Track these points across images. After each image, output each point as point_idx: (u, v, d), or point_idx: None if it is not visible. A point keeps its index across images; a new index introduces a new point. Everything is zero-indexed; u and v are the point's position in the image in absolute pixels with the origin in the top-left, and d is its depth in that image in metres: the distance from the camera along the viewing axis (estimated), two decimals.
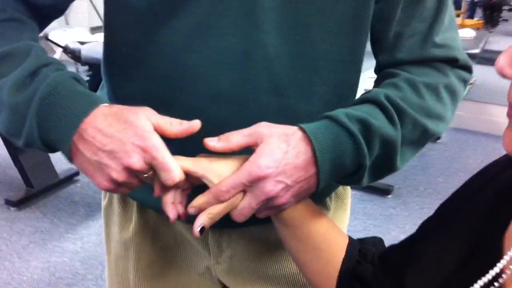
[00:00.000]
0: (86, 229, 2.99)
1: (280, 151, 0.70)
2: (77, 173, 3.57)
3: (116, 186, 0.71)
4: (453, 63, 0.87)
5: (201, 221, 0.71)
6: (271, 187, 0.69)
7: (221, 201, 0.71)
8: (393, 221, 3.16)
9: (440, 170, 3.82)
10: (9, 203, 3.20)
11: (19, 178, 3.34)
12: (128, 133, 0.68)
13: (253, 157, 0.70)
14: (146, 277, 1.04)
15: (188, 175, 0.71)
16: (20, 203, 3.20)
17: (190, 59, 0.78)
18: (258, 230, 0.96)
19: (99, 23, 6.40)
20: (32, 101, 0.70)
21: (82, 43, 4.81)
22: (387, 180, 3.57)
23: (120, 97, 0.88)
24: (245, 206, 0.71)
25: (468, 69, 0.89)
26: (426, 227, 0.72)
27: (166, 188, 0.73)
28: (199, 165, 0.72)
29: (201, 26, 0.77)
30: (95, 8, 6.19)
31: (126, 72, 0.86)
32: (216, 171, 0.71)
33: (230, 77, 0.79)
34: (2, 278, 2.56)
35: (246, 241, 0.98)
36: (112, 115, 0.70)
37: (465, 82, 0.88)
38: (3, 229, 2.97)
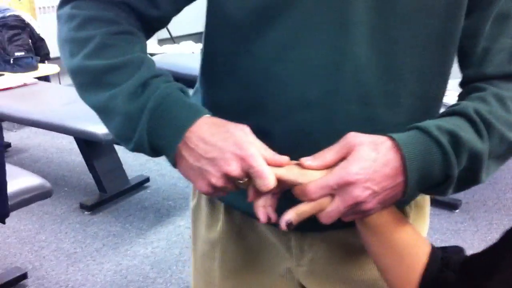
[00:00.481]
0: (156, 234, 3.09)
1: (370, 158, 0.73)
2: (147, 180, 3.69)
3: (214, 190, 0.78)
4: None
5: (289, 216, 0.75)
6: (359, 193, 0.73)
7: (309, 200, 0.75)
8: (461, 236, 3.10)
9: (509, 185, 3.73)
10: (83, 207, 3.34)
11: (93, 183, 3.49)
12: (228, 143, 0.74)
13: (343, 163, 0.74)
14: (230, 276, 1.09)
15: (279, 181, 0.75)
16: (93, 208, 3.35)
17: (282, 69, 0.83)
18: (340, 234, 0.99)
19: (167, 35, 6.60)
20: (144, 110, 0.77)
21: (150, 55, 4.98)
22: (454, 195, 3.50)
23: (215, 103, 0.93)
24: (333, 209, 0.75)
25: None
26: (510, 236, 0.72)
27: (259, 194, 0.78)
28: (291, 172, 0.76)
29: (293, 37, 0.81)
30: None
31: (221, 80, 0.92)
32: (308, 177, 0.75)
33: (319, 87, 0.83)
34: (77, 280, 2.67)
35: (327, 245, 1.01)
36: (214, 125, 0.77)
37: None
38: (78, 232, 3.11)
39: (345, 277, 1.03)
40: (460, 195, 3.50)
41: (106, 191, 3.43)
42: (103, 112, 0.83)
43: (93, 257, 2.86)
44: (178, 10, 0.91)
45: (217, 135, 0.75)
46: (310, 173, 0.76)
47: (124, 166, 3.59)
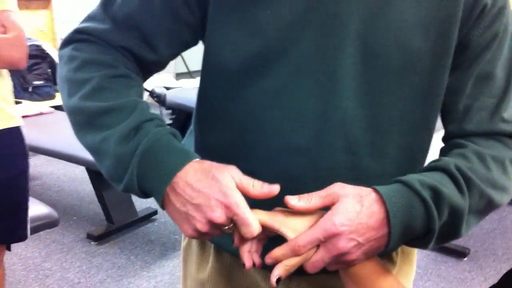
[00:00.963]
0: (160, 268, 3.08)
1: (354, 210, 0.75)
2: (155, 213, 3.70)
3: (199, 235, 0.79)
4: None
5: (278, 272, 0.77)
6: (343, 244, 0.74)
7: (298, 255, 0.77)
8: (468, 285, 3.06)
9: None
10: (90, 237, 3.36)
11: (101, 214, 3.51)
12: (213, 190, 0.76)
13: (328, 215, 0.76)
14: None
15: (263, 227, 0.77)
16: (100, 238, 3.36)
17: (271, 115, 0.86)
18: (325, 279, 1.00)
19: (184, 69, 6.69)
20: (134, 154, 0.80)
21: (167, 88, 5.06)
22: (463, 243, 3.47)
23: (207, 146, 0.97)
24: (318, 259, 0.77)
25: None
26: (508, 281, 0.72)
27: (244, 239, 0.79)
28: (276, 219, 0.78)
29: (285, 86, 0.85)
30: (181, 55, 6.48)
31: (214, 124, 0.95)
32: (292, 226, 0.77)
33: (306, 134, 0.86)
34: None
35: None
36: (201, 171, 0.78)
37: None
38: (83, 262, 3.12)
39: None
40: (469, 243, 3.46)
41: (114, 222, 3.44)
42: (96, 153, 0.85)
43: None
44: (174, 55, 0.95)
45: (203, 181, 0.77)
46: (292, 221, 0.78)
47: (133, 198, 3.61)
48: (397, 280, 0.83)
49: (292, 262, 0.77)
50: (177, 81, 6.24)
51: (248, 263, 0.80)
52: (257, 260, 0.80)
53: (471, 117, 0.89)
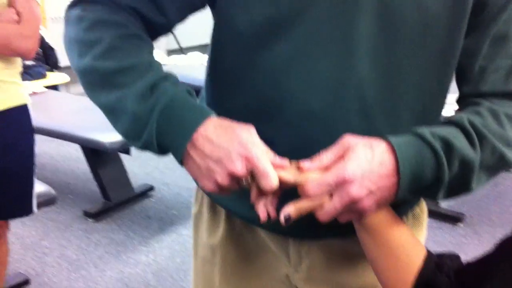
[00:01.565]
0: (158, 243, 3.10)
1: (366, 158, 0.76)
2: (151, 189, 3.71)
3: (219, 189, 0.80)
4: None
5: (288, 210, 0.78)
6: (356, 191, 0.75)
7: (308, 197, 0.77)
8: (463, 250, 3.09)
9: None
10: (87, 214, 3.37)
11: (98, 191, 3.52)
12: (233, 143, 0.77)
13: (340, 163, 0.77)
14: (230, 281, 1.11)
15: (280, 182, 0.78)
16: (97, 215, 3.37)
17: (287, 81, 0.86)
18: (337, 243, 1.01)
19: (175, 46, 6.65)
20: (153, 111, 0.80)
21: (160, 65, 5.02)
22: (458, 208, 3.51)
23: (222, 111, 0.96)
24: (330, 207, 0.77)
25: None
26: (504, 246, 0.73)
27: (261, 194, 0.80)
28: (291, 173, 0.79)
29: (299, 51, 0.85)
30: (172, 32, 6.43)
31: (228, 90, 0.95)
32: (307, 178, 0.78)
33: (322, 99, 0.86)
34: (79, 287, 2.69)
35: (324, 252, 1.03)
36: (220, 126, 0.79)
37: None
38: (81, 239, 3.13)
39: (341, 284, 1.05)
40: (464, 209, 3.50)
41: (111, 199, 3.46)
42: (111, 112, 0.86)
43: (95, 265, 2.88)
44: (182, 18, 0.94)
45: (223, 136, 0.78)
46: (308, 173, 0.78)
47: (129, 175, 3.62)
48: (411, 232, 0.84)
49: (304, 205, 0.78)
50: (169, 57, 6.21)
51: (263, 215, 0.81)
52: (272, 212, 0.81)
53: (486, 78, 0.89)
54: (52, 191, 2.37)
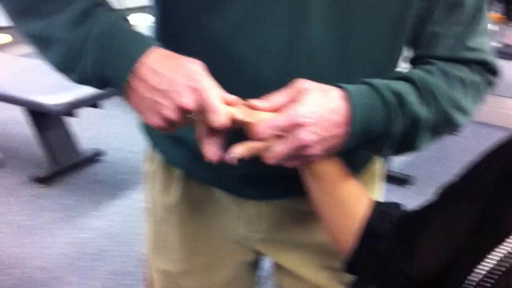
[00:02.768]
0: (110, 208, 3.06)
1: (319, 103, 0.74)
2: (100, 153, 3.64)
3: (167, 124, 0.75)
4: (483, 65, 0.90)
5: (236, 149, 0.75)
6: (305, 135, 0.73)
7: (258, 139, 0.75)
8: None
9: (457, 162, 3.85)
10: (36, 179, 3.28)
11: (44, 156, 3.41)
12: (180, 74, 0.72)
13: (292, 105, 0.74)
14: (187, 240, 1.11)
15: (229, 119, 0.75)
16: (46, 180, 3.29)
17: (235, 47, 0.82)
18: (294, 202, 1.03)
19: (135, 4, 6.41)
20: (87, 39, 0.74)
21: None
22: (406, 170, 3.61)
23: None
24: (278, 149, 0.75)
25: (496, 73, 0.93)
26: (445, 193, 0.75)
27: (209, 131, 0.76)
28: (241, 111, 0.76)
29: (247, 14, 0.80)
30: None
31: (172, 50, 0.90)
32: (256, 117, 0.75)
33: (273, 66, 0.82)
34: (31, 252, 2.63)
35: (281, 212, 1.04)
36: (166, 56, 0.74)
37: (490, 84, 0.92)
38: (31, 205, 3.05)
39: (300, 242, 1.08)
40: (410, 171, 3.60)
41: (58, 164, 3.36)
42: (39, 41, 0.79)
43: (47, 230, 2.82)
44: None
45: (168, 66, 0.73)
46: (259, 114, 0.76)
47: (78, 139, 3.52)
48: (358, 183, 0.84)
49: (252, 144, 0.75)
50: (128, 17, 6.01)
51: (210, 153, 0.77)
52: (218, 151, 0.77)
53: (438, 43, 0.89)
54: (0, 154, 2.28)
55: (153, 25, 0.94)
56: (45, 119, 3.31)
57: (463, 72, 0.88)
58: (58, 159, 3.37)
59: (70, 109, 2.94)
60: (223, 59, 0.83)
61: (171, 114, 0.73)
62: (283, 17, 0.80)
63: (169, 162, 1.05)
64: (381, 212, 0.80)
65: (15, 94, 3.00)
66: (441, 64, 0.87)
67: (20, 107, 3.21)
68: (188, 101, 0.72)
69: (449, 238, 0.69)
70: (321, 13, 0.80)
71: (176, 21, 0.87)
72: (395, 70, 0.92)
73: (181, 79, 0.72)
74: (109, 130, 4.11)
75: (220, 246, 1.12)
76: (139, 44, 0.75)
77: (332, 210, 0.83)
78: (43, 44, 0.79)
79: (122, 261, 2.61)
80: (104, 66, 0.75)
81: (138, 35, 0.76)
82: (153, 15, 0.92)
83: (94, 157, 3.62)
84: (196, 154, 0.80)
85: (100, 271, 2.54)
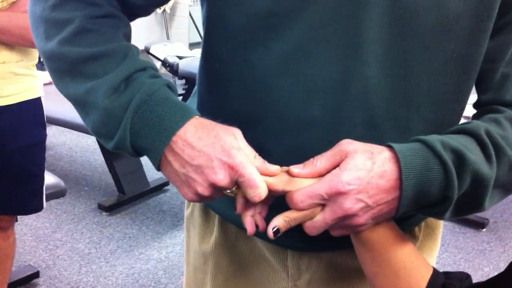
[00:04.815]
0: (172, 239, 3.04)
1: (365, 168, 0.67)
2: (167, 183, 3.66)
3: (200, 199, 0.73)
4: None
5: (276, 222, 0.70)
6: (350, 205, 0.67)
7: (297, 209, 0.69)
8: (487, 256, 2.98)
9: None
10: (101, 207, 3.32)
11: (113, 184, 3.47)
12: (216, 149, 0.69)
13: (336, 171, 0.68)
14: None
15: (269, 190, 0.70)
16: (111, 209, 3.33)
17: (284, 83, 0.77)
18: (338, 256, 0.93)
19: (198, 39, 6.60)
20: (127, 108, 0.72)
21: (180, 57, 4.97)
22: (482, 213, 3.39)
23: (210, 112, 0.88)
24: (319, 219, 0.69)
25: None
26: None
27: (248, 204, 0.73)
28: (281, 180, 0.71)
29: (298, 50, 0.75)
30: (195, 24, 6.37)
31: (217, 89, 0.86)
32: (297, 185, 0.70)
33: (324, 106, 0.76)
34: (89, 281, 2.65)
35: (325, 266, 0.94)
36: (202, 128, 0.71)
37: None
38: (93, 233, 3.09)
39: None
40: (488, 214, 3.38)
41: (125, 193, 3.41)
42: (80, 105, 0.77)
43: (106, 259, 2.83)
44: (163, 1, 0.85)
45: (205, 140, 0.70)
46: (300, 181, 0.70)
47: (145, 168, 3.56)
48: (415, 250, 0.75)
49: (293, 215, 0.70)
50: (191, 50, 6.16)
51: (250, 228, 0.73)
52: (261, 223, 0.73)
53: (509, 87, 0.79)
54: (62, 184, 2.32)
55: (200, 59, 0.91)
56: None
57: None
58: (126, 188, 3.42)
59: None
60: (269, 96, 0.78)
61: (204, 190, 0.71)
62: (335, 53, 0.74)
63: (207, 205, 1.00)
64: (442, 286, 0.71)
65: None
66: (511, 113, 0.78)
67: (93, 136, 3.30)
68: (221, 178, 0.69)
69: None
70: (377, 51, 0.73)
71: (221, 56, 0.83)
72: (461, 116, 0.83)
73: (216, 154, 0.69)
74: None
75: None
76: (177, 115, 0.72)
77: (385, 283, 0.75)
78: (84, 108, 0.77)
79: None
80: (141, 138, 0.73)
81: (178, 105, 0.73)
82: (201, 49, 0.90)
83: (160, 187, 3.64)
84: (234, 199, 0.76)
85: None
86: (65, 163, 4.04)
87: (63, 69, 0.77)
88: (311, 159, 0.71)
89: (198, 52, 5.78)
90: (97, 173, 3.88)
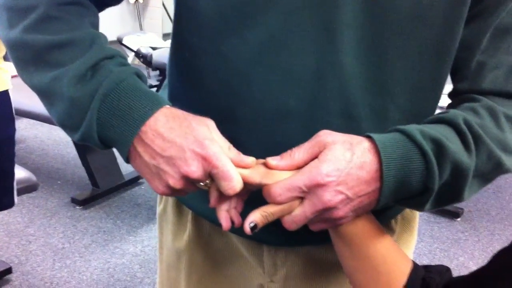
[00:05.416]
0: (147, 232, 3.01)
1: (344, 159, 0.65)
2: (141, 176, 3.60)
3: (172, 192, 0.70)
4: None
5: (253, 217, 0.68)
6: (330, 197, 0.65)
7: (275, 203, 0.67)
8: (461, 246, 3.01)
9: None
10: (75, 201, 3.27)
11: (86, 177, 3.41)
12: (188, 140, 0.66)
13: (314, 162, 0.66)
14: None
15: (244, 182, 0.68)
16: (85, 202, 3.27)
17: (259, 74, 0.74)
18: (315, 251, 0.91)
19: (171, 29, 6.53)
20: (94, 97, 0.68)
21: (154, 48, 4.91)
22: (457, 203, 3.42)
23: (182, 105, 0.85)
24: (299, 213, 0.67)
25: None
26: (500, 261, 0.64)
27: (222, 197, 0.70)
28: (257, 172, 0.69)
29: (273, 40, 0.73)
30: (168, 15, 6.30)
31: (191, 82, 0.83)
32: (274, 177, 0.68)
33: (300, 96, 0.74)
34: (63, 276, 2.60)
35: (302, 262, 0.93)
36: (174, 118, 0.68)
37: None
38: (67, 227, 3.03)
39: None
40: (462, 204, 3.41)
41: (99, 186, 3.35)
42: (44, 95, 0.73)
43: (81, 254, 2.78)
44: None
45: (176, 130, 0.67)
46: (278, 174, 0.68)
47: (119, 161, 3.51)
48: (395, 244, 0.74)
49: (270, 209, 0.67)
50: (165, 41, 6.09)
51: (225, 223, 0.71)
52: (236, 218, 0.71)
53: (485, 75, 0.77)
54: (34, 178, 2.27)
55: (170, 50, 0.87)
56: None
57: None
58: (100, 182, 3.36)
59: None
60: (243, 87, 0.76)
61: (176, 183, 0.68)
62: (310, 42, 0.72)
63: (180, 201, 0.97)
64: (422, 280, 0.70)
65: None
66: (487, 101, 0.76)
67: None
68: (194, 169, 0.66)
69: None
70: (352, 39, 0.72)
71: (192, 46, 0.80)
72: (437, 104, 0.82)
73: (188, 145, 0.66)
74: None
75: None
76: (146, 104, 0.69)
77: (365, 278, 0.73)
78: (48, 98, 0.73)
79: None
80: (109, 128, 0.69)
81: (147, 95, 0.70)
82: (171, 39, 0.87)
83: (135, 180, 3.60)
84: (208, 194, 0.73)
85: None
86: (37, 157, 3.96)
87: (27, 58, 0.73)
88: (289, 151, 0.69)
89: None
90: (70, 166, 3.81)
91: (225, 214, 0.71)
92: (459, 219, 3.31)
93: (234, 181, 0.66)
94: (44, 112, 3.09)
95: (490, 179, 0.76)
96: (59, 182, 3.57)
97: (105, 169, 3.40)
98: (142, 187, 3.56)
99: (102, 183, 3.37)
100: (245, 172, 0.68)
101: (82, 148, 3.29)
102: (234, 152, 0.70)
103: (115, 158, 3.47)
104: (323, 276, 0.93)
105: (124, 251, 2.83)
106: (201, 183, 0.69)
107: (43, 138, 4.31)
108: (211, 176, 0.67)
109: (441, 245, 3.02)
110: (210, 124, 0.70)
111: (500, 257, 0.64)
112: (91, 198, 3.31)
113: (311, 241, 0.88)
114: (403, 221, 0.96)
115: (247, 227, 0.68)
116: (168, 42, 5.55)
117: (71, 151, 3.94)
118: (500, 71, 0.77)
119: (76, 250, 2.82)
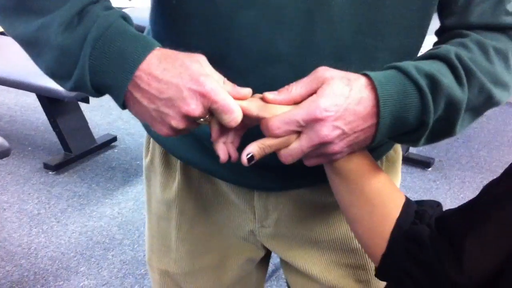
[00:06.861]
0: (123, 195, 3.00)
1: (343, 94, 0.66)
2: (114, 139, 3.58)
3: (175, 132, 0.70)
4: None
5: (251, 148, 0.69)
6: (327, 132, 0.66)
7: (272, 136, 0.68)
8: (433, 194, 3.08)
9: (482, 143, 3.71)
10: (47, 167, 3.23)
11: (58, 143, 3.36)
12: (184, 78, 0.66)
13: (313, 97, 0.66)
14: (187, 238, 1.02)
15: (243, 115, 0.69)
16: (58, 168, 3.23)
17: (247, 17, 0.73)
18: (306, 193, 0.93)
19: None
20: (83, 43, 0.67)
21: (120, 9, 4.79)
22: (427, 153, 3.49)
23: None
24: (295, 147, 0.68)
25: None
26: (491, 191, 0.67)
27: (223, 131, 0.71)
28: (255, 105, 0.69)
29: None
30: None
31: (174, 26, 0.81)
32: (272, 111, 0.68)
33: (289, 38, 0.74)
34: (41, 242, 2.59)
35: (293, 205, 0.94)
36: (166, 59, 0.68)
37: None
38: (41, 193, 3.00)
39: (312, 238, 0.97)
40: (433, 153, 3.48)
41: (71, 151, 3.31)
42: (30, 45, 0.72)
43: (57, 219, 2.77)
44: None
45: (170, 71, 0.67)
46: (275, 108, 0.68)
47: (90, 125, 3.47)
48: (389, 178, 0.76)
49: (268, 142, 0.68)
50: (130, 1, 5.95)
51: (223, 155, 0.71)
52: (233, 153, 0.72)
53: (472, 9, 0.78)
54: (6, 143, 2.22)
55: (151, 3, 0.85)
56: (58, 105, 3.25)
57: (502, 42, 0.78)
58: (72, 146, 3.32)
59: (84, 95, 2.88)
60: (233, 31, 0.75)
61: (178, 123, 0.68)
62: None
63: (168, 151, 0.97)
64: (416, 213, 0.72)
65: (29, 81, 2.96)
66: (476, 35, 0.77)
67: (34, 93, 3.17)
68: (194, 108, 0.66)
69: (500, 240, 0.62)
70: None
71: None
72: (422, 43, 0.83)
73: (185, 84, 0.66)
74: (123, 115, 4.04)
75: (225, 244, 1.03)
76: (138, 48, 0.68)
77: (360, 212, 0.75)
78: (35, 48, 0.71)
79: (134, 250, 2.55)
80: (101, 74, 0.68)
81: (137, 38, 0.69)
82: None
83: (108, 143, 3.56)
84: (196, 141, 0.74)
85: (111, 260, 2.48)
86: (5, 123, 3.88)
87: (9, 6, 0.71)
88: (286, 86, 0.69)
89: (137, 3, 5.60)
90: (40, 132, 3.75)
91: (223, 146, 0.72)
92: (430, 168, 3.37)
93: (235, 113, 0.67)
94: (9, 76, 3.02)
95: (481, 112, 0.78)
96: (29, 148, 3.51)
97: (76, 133, 3.36)
98: (116, 151, 3.53)
99: (74, 147, 3.33)
100: (244, 103, 0.69)
101: (52, 112, 3.23)
102: (229, 85, 0.70)
103: (86, 122, 3.42)
104: (314, 217, 0.95)
105: (101, 214, 2.82)
106: (201, 119, 0.69)
107: (10, 104, 4.21)
108: (211, 111, 0.68)
109: (414, 194, 3.09)
110: (202, 59, 0.69)
111: (491, 189, 0.66)
112: (64, 163, 3.27)
113: (302, 184, 0.89)
114: (388, 162, 0.98)
115: (244, 158, 0.68)
116: (133, 2, 5.44)
117: (40, 117, 3.86)
118: (486, 4, 0.78)
119: (52, 215, 2.80)
